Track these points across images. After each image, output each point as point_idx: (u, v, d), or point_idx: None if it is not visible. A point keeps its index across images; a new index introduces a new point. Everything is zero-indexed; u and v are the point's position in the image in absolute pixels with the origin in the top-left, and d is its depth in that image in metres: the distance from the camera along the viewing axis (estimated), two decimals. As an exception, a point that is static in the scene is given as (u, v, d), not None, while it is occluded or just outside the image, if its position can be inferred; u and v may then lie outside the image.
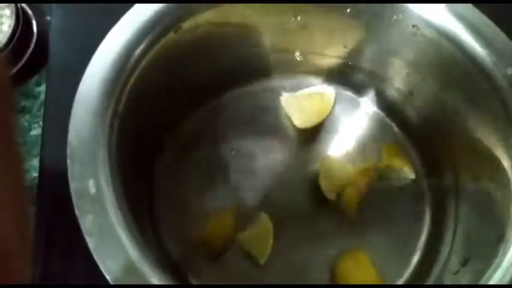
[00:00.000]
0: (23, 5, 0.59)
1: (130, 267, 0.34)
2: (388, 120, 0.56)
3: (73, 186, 0.36)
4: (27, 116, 0.57)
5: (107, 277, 0.34)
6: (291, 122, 0.55)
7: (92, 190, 0.36)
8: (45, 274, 0.47)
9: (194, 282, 0.47)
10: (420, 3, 0.46)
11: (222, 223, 0.49)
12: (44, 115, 0.54)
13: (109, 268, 0.34)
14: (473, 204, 0.48)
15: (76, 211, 0.35)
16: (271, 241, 0.49)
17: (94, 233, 0.35)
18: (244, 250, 0.49)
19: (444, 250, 0.48)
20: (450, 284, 0.44)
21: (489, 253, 0.40)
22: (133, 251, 0.35)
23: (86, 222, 0.35)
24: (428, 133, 0.53)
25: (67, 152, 0.37)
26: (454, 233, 0.49)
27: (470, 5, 0.45)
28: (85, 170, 0.36)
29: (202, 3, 0.45)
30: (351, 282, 0.47)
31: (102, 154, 0.37)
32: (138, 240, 0.36)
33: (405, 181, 0.53)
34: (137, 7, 0.43)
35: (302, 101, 0.55)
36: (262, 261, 0.48)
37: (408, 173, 0.53)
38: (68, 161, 0.37)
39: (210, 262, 0.49)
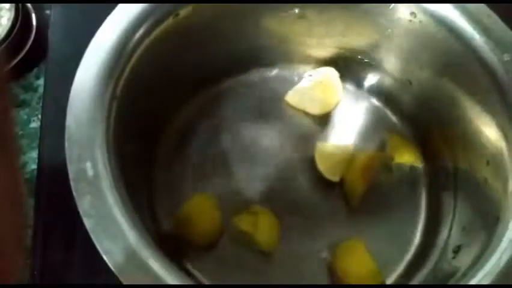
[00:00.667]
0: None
1: (127, 249, 0.34)
2: (386, 109, 0.56)
3: (71, 168, 0.36)
4: (26, 109, 0.57)
5: (105, 258, 0.34)
6: (294, 111, 0.55)
7: (90, 172, 0.36)
8: (44, 266, 0.47)
9: (190, 266, 0.47)
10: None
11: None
12: (42, 108, 0.54)
13: (107, 249, 0.34)
14: (471, 190, 0.48)
15: (74, 193, 0.35)
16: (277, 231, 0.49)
17: (91, 215, 0.35)
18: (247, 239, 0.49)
19: (443, 236, 0.48)
20: (448, 268, 0.44)
21: (486, 237, 0.40)
22: (130, 233, 0.35)
23: (84, 204, 0.35)
24: (426, 121, 0.53)
25: (65, 135, 0.37)
26: (452, 218, 0.49)
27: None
28: (83, 152, 0.36)
29: (200, 3, 0.46)
30: (349, 273, 0.47)
31: (100, 137, 0.37)
32: (135, 222, 0.36)
33: (413, 170, 0.53)
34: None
35: (309, 93, 0.55)
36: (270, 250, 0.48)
37: (417, 162, 0.53)
38: (66, 144, 0.37)
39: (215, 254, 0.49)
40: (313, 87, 0.55)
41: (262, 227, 0.47)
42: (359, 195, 0.50)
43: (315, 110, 0.55)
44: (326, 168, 0.51)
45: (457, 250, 0.45)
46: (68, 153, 0.36)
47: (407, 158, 0.53)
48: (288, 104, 0.55)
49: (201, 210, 0.48)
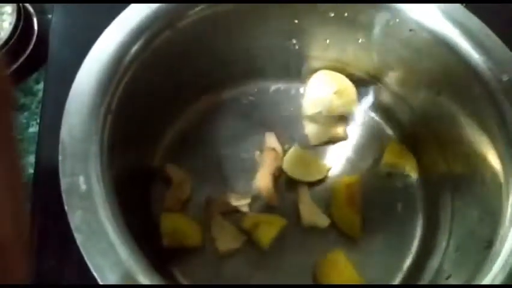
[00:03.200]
0: (25, 3, 0.59)
1: (118, 264, 0.34)
2: (383, 123, 0.56)
3: (64, 182, 0.36)
4: (25, 113, 0.57)
5: (95, 274, 0.34)
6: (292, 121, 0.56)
7: (83, 187, 0.36)
8: (39, 271, 0.47)
9: (183, 280, 0.47)
10: (411, 3, 0.46)
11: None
12: (41, 113, 0.54)
13: (97, 265, 0.34)
14: (466, 209, 0.48)
15: (66, 207, 0.35)
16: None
17: (82, 230, 0.35)
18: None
19: (437, 257, 0.48)
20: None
21: (479, 259, 0.40)
22: (121, 248, 0.35)
23: (76, 219, 0.35)
24: (423, 137, 0.53)
25: (59, 148, 0.37)
26: (448, 237, 0.48)
27: (467, 11, 0.45)
28: (76, 166, 0.36)
29: (199, 3, 0.46)
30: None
31: (94, 151, 0.37)
32: (127, 237, 0.36)
33: (408, 180, 0.53)
34: (134, 6, 0.44)
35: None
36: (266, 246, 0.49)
37: (412, 172, 0.53)
38: (60, 157, 0.37)
39: (202, 261, 0.49)
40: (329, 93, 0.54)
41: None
42: (357, 226, 0.50)
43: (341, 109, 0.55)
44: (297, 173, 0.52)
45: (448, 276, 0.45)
46: (61, 166, 0.36)
47: (403, 163, 0.53)
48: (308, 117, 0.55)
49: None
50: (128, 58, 0.42)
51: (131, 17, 0.43)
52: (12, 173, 0.25)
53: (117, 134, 0.40)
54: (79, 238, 0.34)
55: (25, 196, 0.49)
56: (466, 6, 0.46)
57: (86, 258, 0.34)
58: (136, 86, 0.43)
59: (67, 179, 0.36)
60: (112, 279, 0.34)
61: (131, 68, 0.42)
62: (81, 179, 0.36)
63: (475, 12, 0.45)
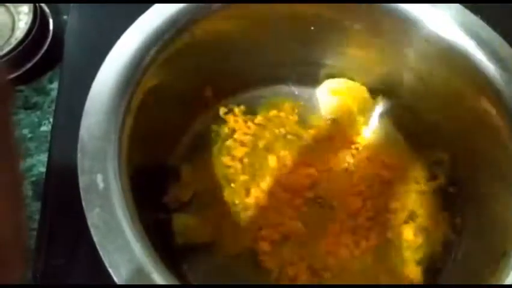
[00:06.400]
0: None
1: (133, 262, 0.34)
2: (396, 133, 0.56)
3: (82, 180, 0.36)
4: (38, 112, 0.57)
5: (111, 271, 0.34)
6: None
7: (101, 185, 0.36)
8: (46, 269, 0.47)
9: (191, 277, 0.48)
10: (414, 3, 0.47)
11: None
12: (55, 112, 0.54)
13: (113, 262, 0.34)
14: (478, 223, 0.48)
15: (83, 204, 0.35)
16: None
17: (99, 228, 0.35)
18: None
19: (448, 265, 0.48)
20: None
21: (493, 270, 0.40)
22: (137, 247, 0.35)
23: (93, 216, 0.35)
24: (436, 148, 0.53)
25: (78, 146, 0.37)
26: (459, 248, 0.49)
27: (483, 22, 0.45)
28: (95, 164, 0.37)
29: (216, 3, 0.46)
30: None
31: (112, 150, 0.38)
32: (143, 235, 0.36)
33: (419, 187, 0.53)
34: (154, 8, 0.44)
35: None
36: None
37: (422, 180, 0.53)
38: (79, 155, 0.37)
39: (211, 259, 0.49)
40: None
41: None
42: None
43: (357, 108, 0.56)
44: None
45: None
46: (79, 164, 0.37)
47: (414, 171, 0.53)
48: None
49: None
50: (147, 60, 0.42)
51: (151, 19, 0.43)
52: (11, 175, 0.25)
53: (135, 133, 0.40)
54: (95, 235, 0.34)
55: (24, 197, 0.49)
56: (479, 16, 0.46)
57: (102, 255, 0.34)
58: (155, 87, 0.43)
59: (85, 177, 0.36)
60: (126, 277, 0.34)
61: (150, 69, 0.42)
62: (99, 177, 0.36)
63: (486, 21, 0.46)
